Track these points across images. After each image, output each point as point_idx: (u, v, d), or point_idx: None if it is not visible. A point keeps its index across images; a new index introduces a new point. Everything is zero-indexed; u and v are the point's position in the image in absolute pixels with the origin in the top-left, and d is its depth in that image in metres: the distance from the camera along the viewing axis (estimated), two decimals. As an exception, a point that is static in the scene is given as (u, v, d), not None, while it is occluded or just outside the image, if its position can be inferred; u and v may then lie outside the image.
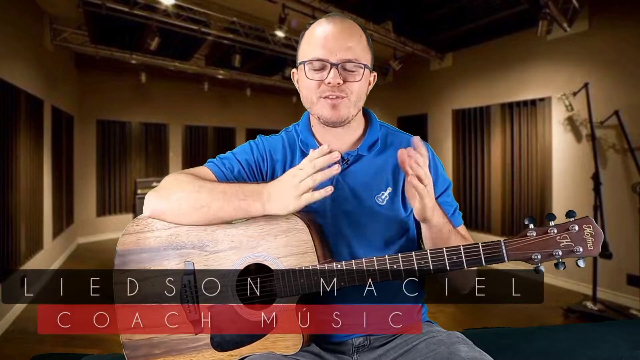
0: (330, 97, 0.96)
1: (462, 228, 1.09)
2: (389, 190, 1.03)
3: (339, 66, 0.95)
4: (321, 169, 0.86)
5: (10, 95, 3.65)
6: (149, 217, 0.99)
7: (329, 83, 0.95)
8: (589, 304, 3.62)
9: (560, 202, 4.54)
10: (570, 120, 4.41)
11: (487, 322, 3.29)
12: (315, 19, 1.04)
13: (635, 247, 3.65)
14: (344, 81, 0.95)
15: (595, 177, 3.69)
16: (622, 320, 1.94)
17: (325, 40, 0.96)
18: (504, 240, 0.85)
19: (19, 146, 3.85)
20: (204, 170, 1.04)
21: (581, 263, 0.83)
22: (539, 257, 0.84)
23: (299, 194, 0.87)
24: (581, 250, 0.83)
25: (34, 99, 4.30)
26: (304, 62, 0.98)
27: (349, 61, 0.95)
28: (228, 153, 1.09)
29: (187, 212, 0.94)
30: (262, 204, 0.90)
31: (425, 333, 0.98)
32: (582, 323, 3.27)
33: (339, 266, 0.90)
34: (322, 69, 0.96)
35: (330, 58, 0.95)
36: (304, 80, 0.99)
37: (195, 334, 0.97)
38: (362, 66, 0.97)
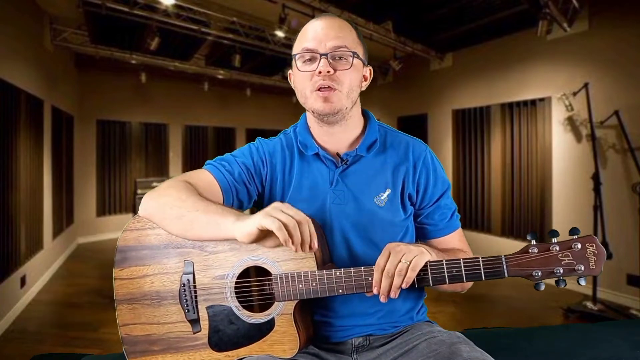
0: (322, 88, 0.96)
1: (458, 232, 1.08)
2: (388, 191, 1.02)
3: (329, 55, 0.95)
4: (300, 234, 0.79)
5: (10, 95, 3.65)
6: (142, 217, 0.99)
7: (320, 72, 0.95)
8: (589, 304, 3.62)
9: (560, 202, 4.55)
10: (570, 120, 4.41)
11: (487, 322, 3.30)
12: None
13: (635, 247, 3.65)
14: (335, 70, 0.96)
15: (595, 177, 3.68)
16: (622, 320, 1.93)
17: (314, 32, 0.98)
18: (504, 255, 0.85)
19: (19, 146, 3.85)
20: (204, 174, 1.02)
21: (582, 281, 0.83)
22: (540, 274, 0.83)
23: (266, 215, 0.79)
24: (583, 269, 0.82)
25: (34, 99, 4.30)
26: (294, 56, 0.99)
27: (338, 48, 0.96)
28: (227, 155, 1.08)
29: (168, 218, 0.93)
30: (235, 220, 0.84)
31: (426, 333, 0.98)
32: (582, 323, 3.27)
33: (338, 273, 0.90)
34: (312, 60, 0.97)
35: (319, 48, 0.96)
36: (297, 74, 1.00)
37: (194, 334, 0.97)
38: (352, 54, 0.97)
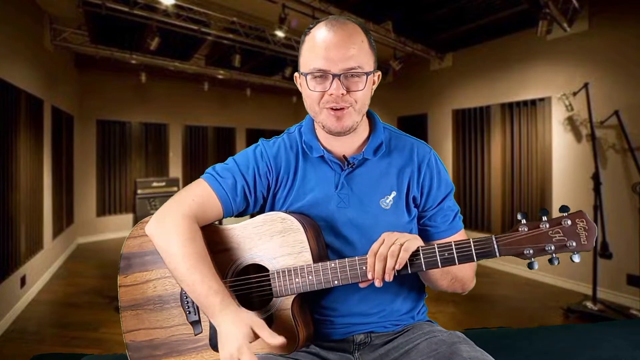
0: (334, 108, 0.94)
1: (461, 233, 1.08)
2: (394, 194, 1.02)
3: (341, 76, 0.92)
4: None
5: (10, 95, 3.65)
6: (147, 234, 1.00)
7: (332, 94, 0.93)
8: (589, 304, 3.62)
9: (560, 202, 4.54)
10: (570, 120, 4.41)
11: (487, 322, 3.30)
12: (315, 19, 1.02)
13: (635, 247, 3.65)
14: (348, 91, 0.93)
15: (595, 177, 3.68)
16: (622, 320, 1.94)
17: (326, 50, 0.92)
18: (495, 235, 0.86)
19: (19, 146, 3.85)
20: (203, 188, 1.01)
21: (576, 258, 0.82)
22: (531, 252, 0.84)
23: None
24: (574, 244, 0.82)
25: (34, 99, 4.30)
26: (305, 74, 0.95)
27: (352, 69, 0.92)
28: (230, 162, 1.06)
29: (169, 268, 0.96)
30: (218, 311, 0.88)
31: (426, 333, 0.98)
32: (582, 323, 3.27)
33: (333, 265, 0.91)
34: (324, 79, 0.94)
35: (332, 68, 0.92)
36: (306, 91, 0.97)
37: (195, 335, 0.98)
38: (365, 74, 0.94)
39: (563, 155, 4.53)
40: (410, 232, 1.04)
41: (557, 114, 4.55)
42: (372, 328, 1.01)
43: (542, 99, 4.73)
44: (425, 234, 1.07)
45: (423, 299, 1.10)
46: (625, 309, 3.67)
